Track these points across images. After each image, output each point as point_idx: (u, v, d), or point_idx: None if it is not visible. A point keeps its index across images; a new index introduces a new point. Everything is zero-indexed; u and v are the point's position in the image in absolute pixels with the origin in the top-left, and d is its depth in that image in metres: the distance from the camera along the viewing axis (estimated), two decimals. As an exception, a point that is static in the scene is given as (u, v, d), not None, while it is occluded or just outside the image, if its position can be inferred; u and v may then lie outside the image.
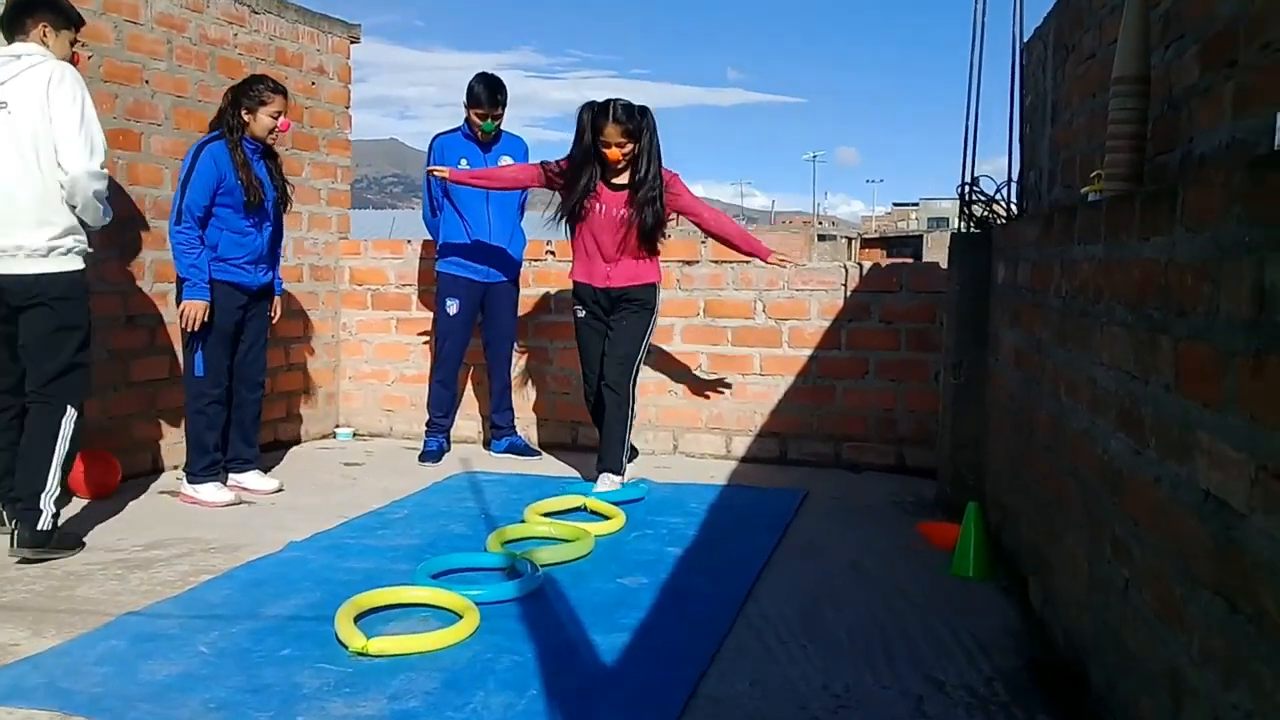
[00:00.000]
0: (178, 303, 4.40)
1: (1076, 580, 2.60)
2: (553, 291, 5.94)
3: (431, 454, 5.52)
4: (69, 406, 3.69)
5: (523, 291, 5.78)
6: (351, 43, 6.42)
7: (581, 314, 4.79)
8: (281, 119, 4.51)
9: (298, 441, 6.03)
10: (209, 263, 4.36)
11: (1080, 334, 2.64)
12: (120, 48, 4.78)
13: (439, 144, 5.51)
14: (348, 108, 6.41)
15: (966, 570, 3.54)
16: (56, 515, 3.64)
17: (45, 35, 3.80)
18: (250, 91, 4.45)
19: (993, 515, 3.88)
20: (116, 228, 4.72)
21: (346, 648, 2.77)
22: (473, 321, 5.57)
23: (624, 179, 4.62)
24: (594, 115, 4.53)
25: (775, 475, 5.25)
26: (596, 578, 3.49)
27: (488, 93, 5.33)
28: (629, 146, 4.52)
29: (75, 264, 3.73)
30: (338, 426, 6.33)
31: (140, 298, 4.97)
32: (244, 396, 4.66)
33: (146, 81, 4.95)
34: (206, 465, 4.48)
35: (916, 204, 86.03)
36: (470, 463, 5.49)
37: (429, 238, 5.89)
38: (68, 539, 3.72)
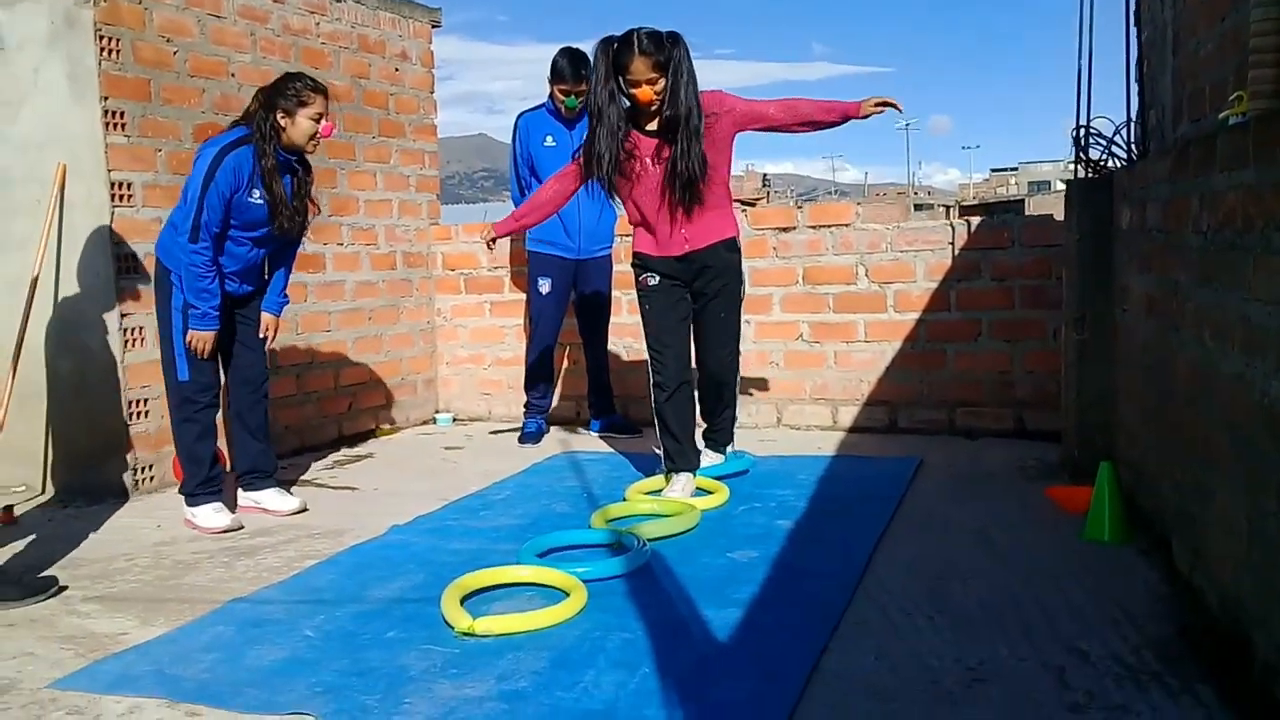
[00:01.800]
0: (158, 304, 3.93)
1: (1233, 539, 2.37)
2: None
3: (531, 435, 5.46)
4: None
5: (615, 267, 5.66)
6: (433, 27, 6.38)
7: (654, 281, 4.04)
8: (324, 122, 3.90)
9: (398, 429, 6.03)
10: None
11: (1228, 270, 2.40)
12: (205, 41, 4.79)
13: (524, 122, 5.42)
14: (432, 92, 6.36)
15: (1102, 535, 3.31)
16: None
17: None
18: (287, 91, 3.83)
19: (1126, 476, 3.63)
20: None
21: (453, 629, 2.69)
22: (566, 300, 5.48)
23: (654, 124, 3.88)
24: (615, 52, 3.75)
25: (886, 445, 5.04)
26: (704, 553, 3.35)
27: (571, 67, 5.19)
28: (661, 82, 3.73)
29: None
30: (437, 412, 6.32)
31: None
32: (245, 399, 4.10)
33: (232, 74, 4.96)
34: (202, 482, 3.90)
35: (1015, 169, 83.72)
36: (570, 443, 5.41)
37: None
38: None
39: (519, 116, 5.48)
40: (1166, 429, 3.10)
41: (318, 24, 5.47)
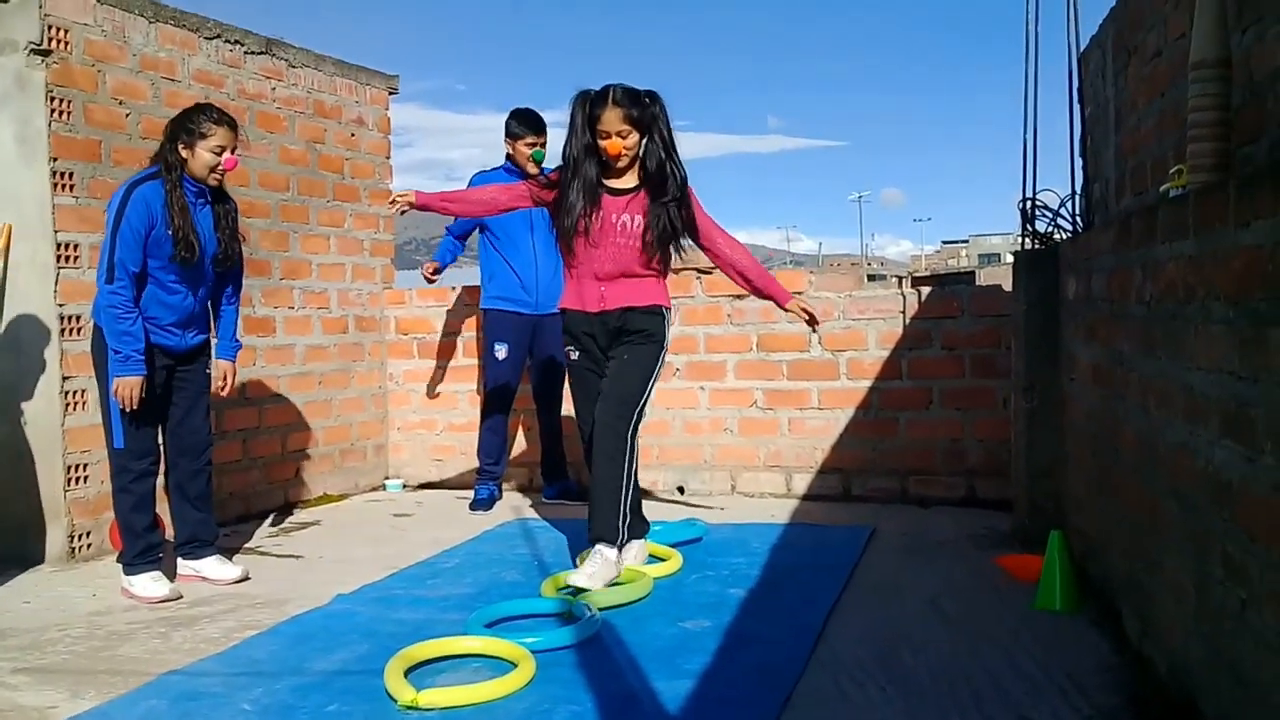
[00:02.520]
0: (96, 367, 3.81)
1: (1181, 606, 2.38)
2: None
3: (483, 502, 5.39)
4: None
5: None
6: (390, 94, 6.41)
7: (575, 355, 3.92)
8: (226, 155, 3.78)
9: (347, 495, 5.93)
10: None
11: (1170, 340, 2.43)
12: (158, 104, 4.76)
13: (478, 180, 5.31)
14: (388, 158, 6.38)
15: (1053, 603, 3.31)
16: None
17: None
18: (189, 123, 3.75)
19: (1076, 544, 3.64)
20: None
21: (396, 702, 2.61)
22: (522, 365, 5.44)
23: (628, 180, 3.82)
24: (590, 103, 3.72)
25: (839, 513, 5.03)
26: (656, 621, 3.30)
27: (535, 118, 5.23)
28: (632, 137, 3.71)
29: None
30: (387, 478, 6.22)
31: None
32: (185, 469, 3.95)
33: (188, 136, 4.93)
34: (139, 552, 3.77)
35: (966, 241, 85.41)
36: (522, 510, 5.34)
37: (472, 284, 5.83)
38: None
39: (474, 175, 5.40)
40: (1114, 497, 3.12)
41: (273, 89, 5.47)
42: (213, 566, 4.00)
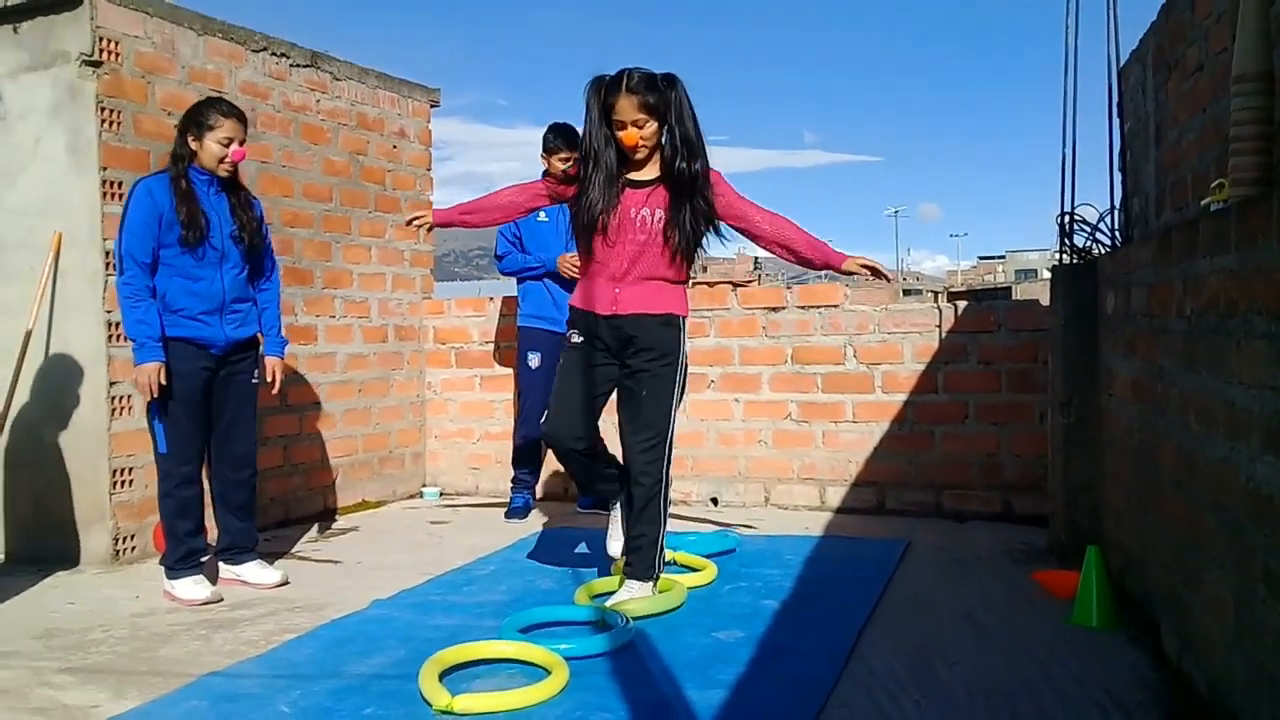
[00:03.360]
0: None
1: (1221, 623, 2.36)
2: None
3: (518, 510, 5.42)
4: None
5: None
6: (432, 106, 6.49)
7: (577, 339, 3.64)
8: (234, 146, 3.84)
9: (385, 503, 5.99)
10: (160, 316, 3.73)
11: (1211, 354, 2.42)
12: (207, 114, 4.85)
13: None
14: (429, 170, 6.45)
15: (1090, 619, 3.28)
16: None
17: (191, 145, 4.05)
18: (198, 116, 3.84)
19: (1114, 561, 3.61)
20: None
21: (431, 706, 2.64)
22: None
23: (649, 172, 3.55)
24: (604, 90, 3.45)
25: (874, 526, 5.02)
26: (689, 631, 3.31)
27: (571, 133, 5.15)
28: (650, 126, 3.44)
29: None
30: (424, 486, 6.28)
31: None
32: (228, 478, 3.98)
33: (233, 147, 5.01)
34: (181, 556, 3.82)
35: (1003, 257, 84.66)
36: (557, 519, 5.37)
37: (510, 294, 5.88)
38: None
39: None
40: (1153, 513, 3.09)
41: (318, 101, 5.56)
42: (253, 571, 4.04)
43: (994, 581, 3.91)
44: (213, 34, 4.92)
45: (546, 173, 5.32)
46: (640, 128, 3.43)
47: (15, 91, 4.46)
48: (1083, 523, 4.07)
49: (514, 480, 5.54)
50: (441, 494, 6.22)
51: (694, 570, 4.00)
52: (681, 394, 3.65)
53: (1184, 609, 2.72)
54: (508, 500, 5.56)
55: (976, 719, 2.55)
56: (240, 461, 4.01)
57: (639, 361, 3.56)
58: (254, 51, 5.16)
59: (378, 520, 5.51)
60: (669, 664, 2.99)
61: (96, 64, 4.33)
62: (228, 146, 3.84)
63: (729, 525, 5.01)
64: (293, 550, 4.74)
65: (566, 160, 5.18)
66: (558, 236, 5.31)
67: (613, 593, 3.63)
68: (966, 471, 5.20)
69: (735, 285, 5.82)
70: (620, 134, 3.44)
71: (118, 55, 4.42)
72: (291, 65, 5.39)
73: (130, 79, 4.48)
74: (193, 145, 3.82)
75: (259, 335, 4.09)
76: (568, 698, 2.72)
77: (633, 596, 3.53)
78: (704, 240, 3.63)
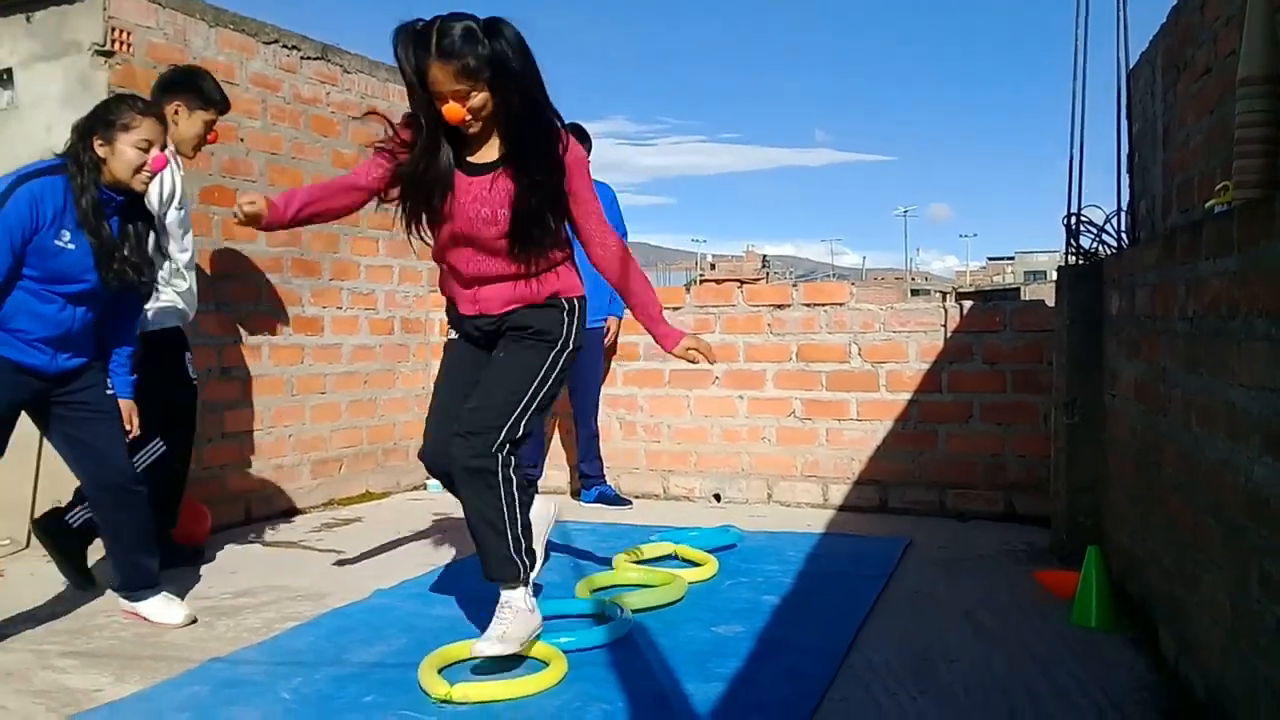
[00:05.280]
0: None
1: (1218, 625, 2.36)
2: (643, 337, 5.84)
3: (609, 498, 5.47)
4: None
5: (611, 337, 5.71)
6: (441, 99, 6.50)
7: (451, 334, 3.20)
8: (154, 153, 3.18)
9: (388, 494, 6.01)
10: None
11: (1212, 356, 2.42)
12: (217, 105, 4.87)
13: None
14: (438, 162, 6.46)
15: (1089, 619, 3.28)
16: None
17: (176, 114, 3.94)
18: (108, 115, 3.15)
19: (1115, 561, 3.62)
20: (210, 283, 4.80)
21: (430, 695, 2.66)
22: None
23: (488, 153, 2.87)
24: (413, 52, 2.70)
25: (876, 524, 5.03)
26: (689, 625, 3.32)
27: (582, 134, 5.22)
28: (479, 95, 2.71)
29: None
30: (428, 478, 6.29)
31: (233, 350, 5.01)
32: (108, 509, 3.33)
33: (241, 139, 5.05)
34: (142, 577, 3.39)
35: (1012, 258, 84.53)
36: (559, 513, 5.37)
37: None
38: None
39: None
40: (1154, 514, 3.10)
41: (328, 93, 5.58)
42: (154, 608, 3.41)
43: (995, 580, 3.91)
44: (224, 25, 4.94)
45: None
46: (463, 100, 2.70)
47: (27, 80, 4.48)
48: (1084, 523, 4.08)
49: (582, 476, 5.62)
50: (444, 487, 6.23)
51: (695, 565, 4.02)
52: (554, 387, 2.97)
53: (1183, 610, 2.72)
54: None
55: (974, 716, 2.56)
56: (113, 487, 3.32)
57: (508, 338, 3.00)
58: (265, 43, 5.18)
59: (381, 511, 5.53)
60: (668, 657, 3.00)
61: (109, 54, 4.35)
62: (147, 151, 3.17)
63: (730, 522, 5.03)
64: (296, 540, 4.77)
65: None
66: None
67: (615, 587, 3.66)
68: (970, 471, 5.21)
69: (742, 283, 5.83)
70: (442, 109, 2.71)
71: (130, 46, 4.45)
72: (302, 58, 5.41)
73: (142, 69, 4.50)
74: (101, 152, 3.13)
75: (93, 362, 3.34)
76: (566, 689, 2.73)
77: (508, 625, 2.83)
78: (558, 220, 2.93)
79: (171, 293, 3.97)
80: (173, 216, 3.87)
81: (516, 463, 2.89)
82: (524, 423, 2.88)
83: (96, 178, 3.13)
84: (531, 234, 2.86)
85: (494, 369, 2.95)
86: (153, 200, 3.57)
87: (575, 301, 3.01)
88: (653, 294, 3.13)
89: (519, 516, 2.88)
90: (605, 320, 5.56)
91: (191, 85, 4.00)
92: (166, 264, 3.80)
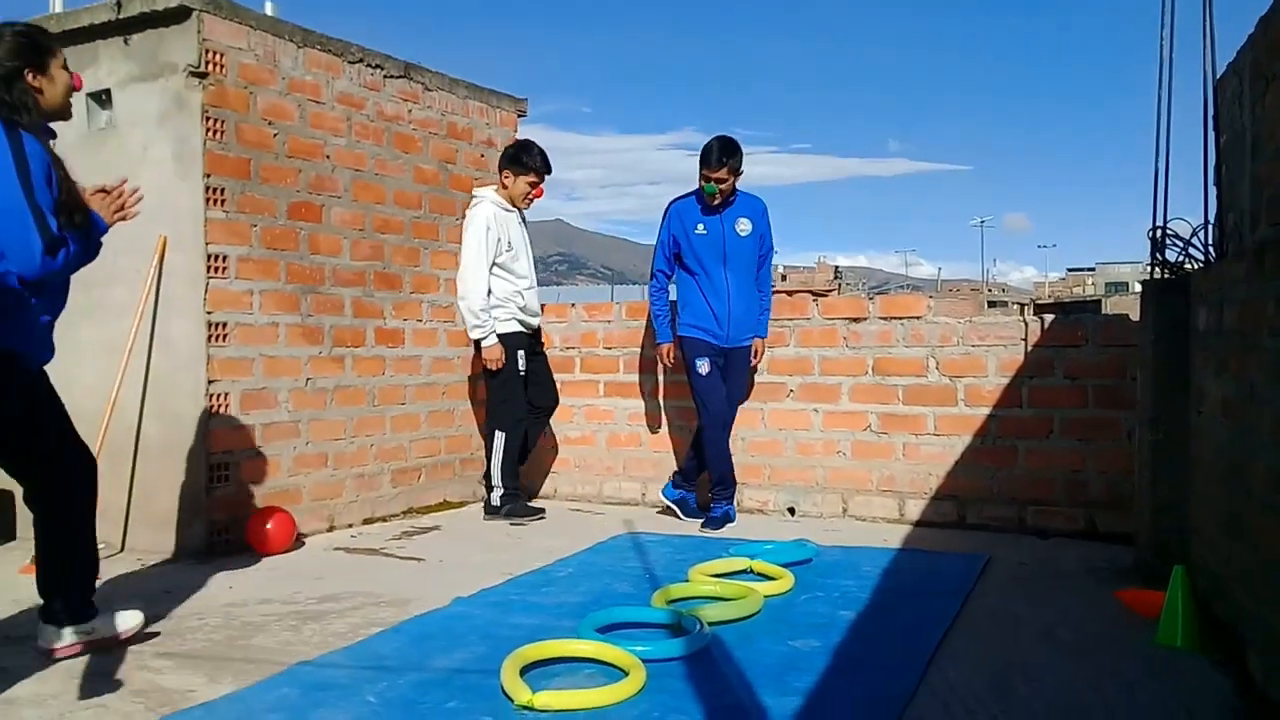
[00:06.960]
0: None
1: (1311, 649, 2.31)
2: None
3: (715, 520, 5.36)
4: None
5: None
6: (519, 116, 6.61)
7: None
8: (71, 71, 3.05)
9: (465, 503, 6.10)
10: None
11: (1304, 373, 2.37)
12: (304, 125, 5.03)
13: (675, 209, 5.44)
14: (515, 177, 6.56)
15: (1174, 640, 3.22)
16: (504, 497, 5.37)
17: (504, 180, 5.53)
18: (35, 47, 2.96)
19: (1201, 582, 3.54)
20: (298, 295, 4.95)
21: (512, 701, 2.71)
22: (723, 380, 5.41)
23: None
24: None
25: (954, 540, 4.97)
26: (765, 639, 3.33)
27: (712, 152, 5.19)
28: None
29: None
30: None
31: (319, 361, 5.15)
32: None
33: (327, 156, 5.19)
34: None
35: (1092, 269, 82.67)
36: (634, 523, 5.42)
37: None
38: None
39: (671, 203, 5.50)
40: (1243, 535, 3.03)
41: (410, 111, 5.71)
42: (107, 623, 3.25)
43: (1076, 599, 3.85)
44: (312, 46, 5.09)
45: (701, 188, 5.29)
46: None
47: (124, 100, 4.67)
48: (1170, 542, 3.99)
49: (720, 481, 5.44)
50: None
51: (771, 579, 4.02)
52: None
53: (1272, 634, 2.66)
54: (676, 505, 5.58)
55: (1054, 736, 2.53)
56: (40, 508, 3.15)
57: None
58: (350, 63, 5.32)
59: (459, 520, 5.63)
60: (745, 670, 3.02)
61: (202, 75, 4.52)
62: (69, 72, 3.05)
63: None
64: (377, 547, 4.87)
65: (706, 179, 5.20)
66: (717, 249, 5.33)
67: (691, 599, 3.69)
68: (1050, 487, 5.13)
69: (815, 295, 5.82)
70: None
71: (223, 67, 4.61)
72: (386, 76, 5.55)
73: (234, 90, 4.66)
74: (37, 83, 2.94)
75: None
76: (645, 699, 2.76)
77: None
78: None
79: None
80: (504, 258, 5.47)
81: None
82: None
83: (39, 114, 2.96)
84: None
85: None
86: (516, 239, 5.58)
87: None
88: None
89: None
90: (751, 340, 5.51)
91: (514, 157, 5.54)
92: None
